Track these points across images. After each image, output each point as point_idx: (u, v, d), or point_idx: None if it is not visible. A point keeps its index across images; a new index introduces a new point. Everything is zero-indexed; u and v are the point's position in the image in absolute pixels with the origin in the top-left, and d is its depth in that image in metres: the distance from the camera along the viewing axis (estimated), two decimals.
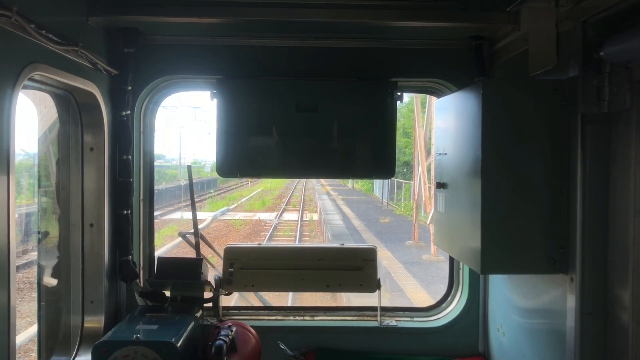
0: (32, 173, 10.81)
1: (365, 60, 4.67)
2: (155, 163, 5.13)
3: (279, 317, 4.93)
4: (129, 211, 4.44)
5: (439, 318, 4.90)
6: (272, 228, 29.11)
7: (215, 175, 6.04)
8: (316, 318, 4.94)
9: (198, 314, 4.34)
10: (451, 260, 5.02)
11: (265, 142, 4.64)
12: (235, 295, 5.38)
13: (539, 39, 3.63)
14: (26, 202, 11.75)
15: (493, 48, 4.50)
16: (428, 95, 11.12)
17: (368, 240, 24.80)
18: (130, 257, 4.44)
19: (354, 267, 4.71)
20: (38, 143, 4.22)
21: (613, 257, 3.14)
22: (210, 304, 4.64)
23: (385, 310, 4.96)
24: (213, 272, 4.90)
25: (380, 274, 4.80)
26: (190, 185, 5.06)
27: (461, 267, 4.92)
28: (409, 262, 21.05)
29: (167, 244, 22.96)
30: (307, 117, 4.61)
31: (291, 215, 35.98)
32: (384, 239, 25.82)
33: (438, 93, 4.91)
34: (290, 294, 14.46)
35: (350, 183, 64.34)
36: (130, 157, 4.42)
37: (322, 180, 67.30)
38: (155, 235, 5.14)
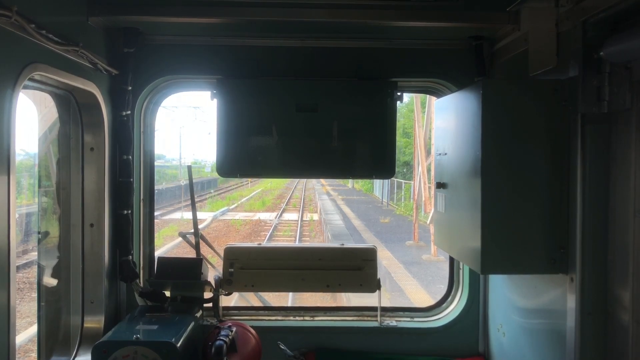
0: (33, 173, 10.80)
1: (365, 60, 4.67)
2: (156, 163, 5.13)
3: (279, 317, 4.93)
4: (129, 211, 4.45)
5: (439, 318, 4.90)
6: (272, 228, 29.10)
7: (216, 175, 6.06)
8: (316, 318, 4.94)
9: (198, 314, 4.34)
10: (451, 260, 5.02)
11: (266, 142, 4.64)
12: (235, 295, 5.38)
13: (539, 39, 3.63)
14: (26, 202, 11.74)
15: (493, 48, 4.50)
16: (428, 95, 11.10)
17: (368, 240, 24.78)
18: (130, 257, 4.44)
19: (354, 267, 4.71)
20: (38, 143, 4.22)
21: (613, 257, 3.14)
22: (210, 304, 4.64)
23: (385, 310, 4.96)
24: (213, 272, 4.90)
25: (380, 274, 4.80)
26: (191, 185, 5.06)
27: (461, 267, 4.92)
28: (409, 262, 21.04)
29: (167, 244, 22.94)
30: (307, 117, 4.61)
31: (291, 215, 35.96)
32: (384, 239, 25.80)
33: (438, 93, 4.91)
34: (290, 294, 14.43)
35: (350, 183, 64.30)
36: (130, 157, 4.43)
37: (322, 180, 67.26)
38: (155, 235, 5.14)
